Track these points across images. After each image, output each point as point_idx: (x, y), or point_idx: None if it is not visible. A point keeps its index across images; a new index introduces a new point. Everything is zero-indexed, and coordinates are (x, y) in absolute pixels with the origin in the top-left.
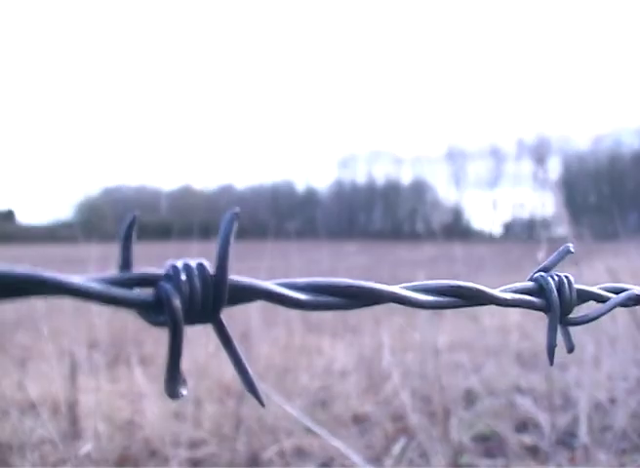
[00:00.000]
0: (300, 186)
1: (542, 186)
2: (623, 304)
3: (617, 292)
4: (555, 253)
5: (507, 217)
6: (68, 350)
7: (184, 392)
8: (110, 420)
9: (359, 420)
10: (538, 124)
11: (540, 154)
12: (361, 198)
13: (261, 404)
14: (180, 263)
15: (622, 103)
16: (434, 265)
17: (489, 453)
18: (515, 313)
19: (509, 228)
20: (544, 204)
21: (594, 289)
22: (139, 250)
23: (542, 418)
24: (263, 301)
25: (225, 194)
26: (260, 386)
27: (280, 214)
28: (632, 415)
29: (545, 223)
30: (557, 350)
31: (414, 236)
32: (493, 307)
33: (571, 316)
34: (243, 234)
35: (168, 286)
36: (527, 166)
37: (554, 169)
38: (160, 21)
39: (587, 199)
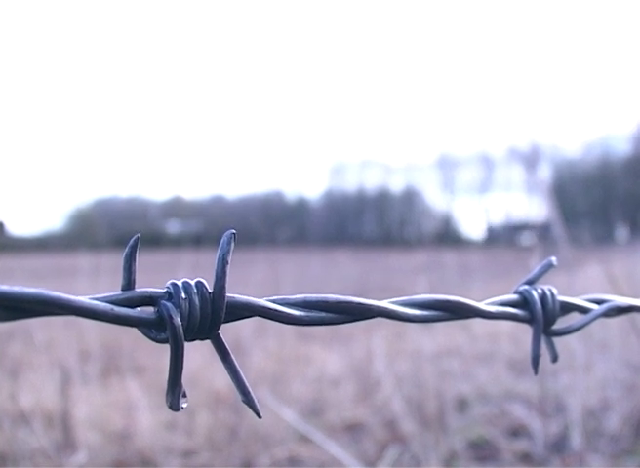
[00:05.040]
0: (291, 195)
1: (534, 192)
2: (605, 315)
3: (599, 302)
4: (539, 267)
5: (499, 224)
6: (60, 361)
7: (185, 405)
8: (103, 430)
9: (352, 428)
10: (527, 131)
11: (531, 160)
12: (352, 206)
13: (258, 416)
14: (179, 282)
15: (611, 110)
16: (425, 273)
17: (482, 460)
18: (506, 321)
19: (500, 234)
20: (536, 210)
21: (577, 300)
22: None
23: (535, 424)
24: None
25: (216, 204)
26: (256, 397)
27: (271, 224)
28: (624, 420)
29: (537, 229)
30: (548, 358)
31: (405, 243)
32: None
33: (554, 327)
34: (235, 242)
35: (169, 304)
36: (517, 172)
37: (545, 175)
38: (149, 34)
39: (578, 205)
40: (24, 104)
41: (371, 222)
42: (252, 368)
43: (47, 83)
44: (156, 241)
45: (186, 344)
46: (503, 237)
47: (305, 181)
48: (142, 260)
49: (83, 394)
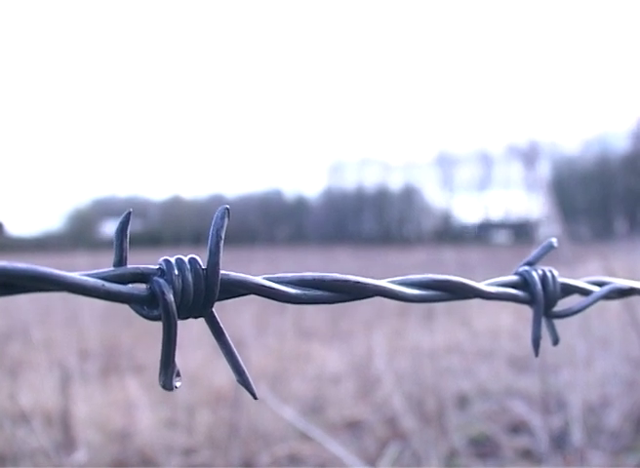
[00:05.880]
0: (290, 194)
1: (533, 189)
2: (607, 297)
3: (600, 285)
4: (539, 248)
5: (498, 220)
6: (60, 360)
7: (178, 384)
8: (103, 429)
9: (352, 425)
10: (526, 129)
11: (530, 158)
12: (351, 204)
13: (254, 396)
14: (172, 258)
15: (609, 108)
16: (425, 270)
17: (482, 456)
18: (507, 316)
19: (500, 231)
20: (535, 206)
21: (578, 282)
22: (130, 258)
23: (535, 421)
24: (256, 303)
25: (215, 203)
26: (257, 395)
27: (270, 222)
28: (625, 416)
29: (537, 226)
30: (548, 354)
31: (404, 241)
32: (484, 310)
33: (555, 309)
34: (234, 241)
35: (161, 280)
36: (516, 170)
37: (544, 173)
38: (148, 34)
39: (577, 202)
40: (23, 105)
41: (370, 220)
42: (252, 365)
43: (45, 83)
44: (156, 241)
45: (188, 342)
46: (503, 234)
47: (304, 180)
48: (141, 261)
49: (83, 393)
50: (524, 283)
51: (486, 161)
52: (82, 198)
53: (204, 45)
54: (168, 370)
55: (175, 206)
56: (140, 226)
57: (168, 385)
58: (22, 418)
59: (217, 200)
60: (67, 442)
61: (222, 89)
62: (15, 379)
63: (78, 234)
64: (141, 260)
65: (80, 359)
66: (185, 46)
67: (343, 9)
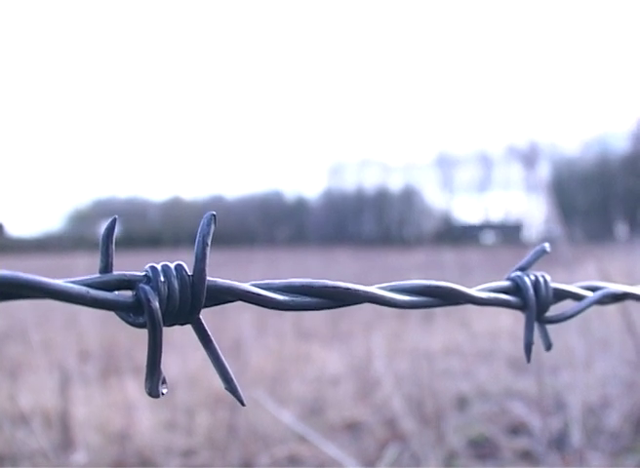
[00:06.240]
0: (290, 195)
1: (533, 190)
2: (600, 302)
3: (593, 289)
4: (531, 253)
5: (498, 222)
6: (60, 361)
7: (164, 390)
8: (103, 431)
9: (352, 427)
10: (526, 129)
11: (530, 159)
12: (351, 206)
13: (241, 403)
14: (158, 265)
15: (609, 108)
16: (425, 271)
17: (482, 458)
18: (506, 317)
19: (500, 232)
20: (535, 208)
21: (571, 287)
22: (130, 258)
23: (535, 422)
24: (250, 307)
25: (215, 204)
26: (256, 397)
27: (270, 223)
28: (624, 417)
29: (536, 227)
30: (548, 355)
31: (404, 242)
32: (483, 312)
33: (548, 314)
34: (234, 242)
35: (147, 287)
36: (516, 171)
37: (544, 174)
38: (148, 34)
39: (577, 203)
40: (23, 105)
41: (370, 221)
42: (252, 366)
43: (46, 84)
44: (156, 241)
45: (186, 343)
46: (504, 235)
47: (304, 181)
48: (141, 261)
49: (82, 394)
50: (516, 288)
51: (486, 162)
52: (82, 199)
53: (204, 46)
54: (154, 376)
55: (175, 207)
56: (141, 227)
57: (154, 392)
58: (22, 419)
59: (217, 201)
60: (67, 443)
61: (223, 90)
62: (14, 380)
63: (78, 235)
64: (141, 261)
65: (79, 360)
66: (186, 47)
67: (343, 9)
